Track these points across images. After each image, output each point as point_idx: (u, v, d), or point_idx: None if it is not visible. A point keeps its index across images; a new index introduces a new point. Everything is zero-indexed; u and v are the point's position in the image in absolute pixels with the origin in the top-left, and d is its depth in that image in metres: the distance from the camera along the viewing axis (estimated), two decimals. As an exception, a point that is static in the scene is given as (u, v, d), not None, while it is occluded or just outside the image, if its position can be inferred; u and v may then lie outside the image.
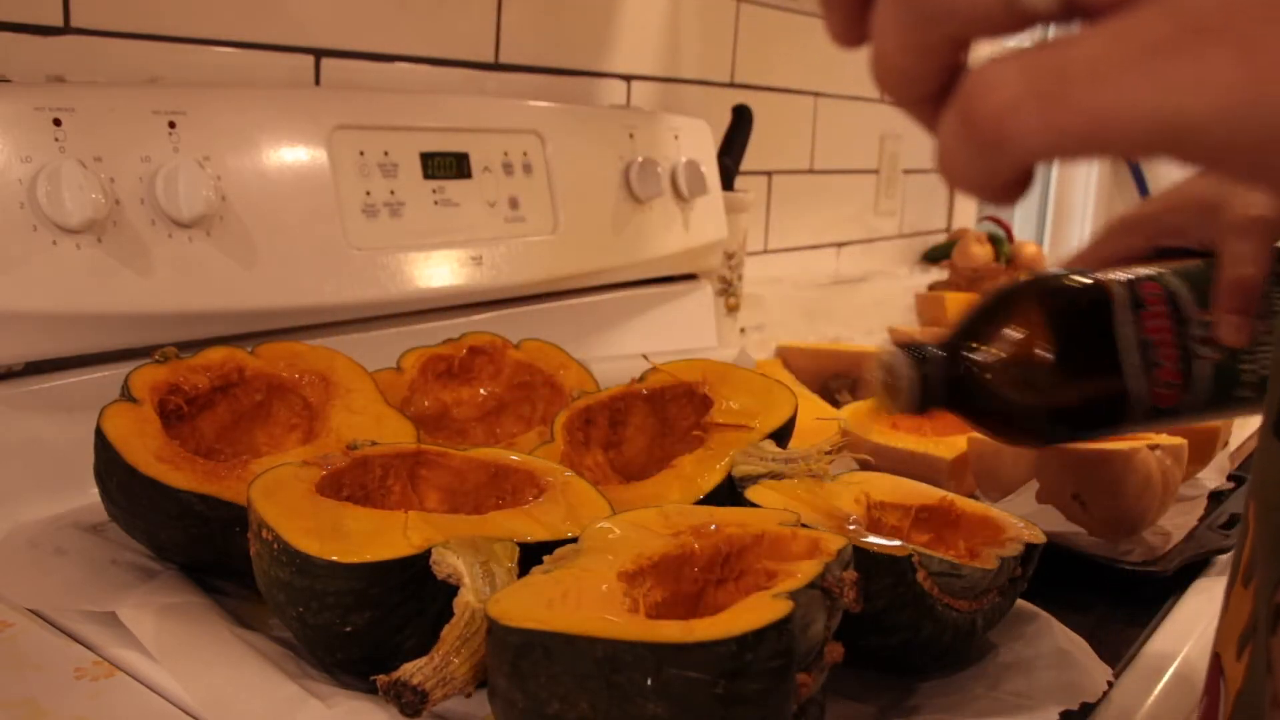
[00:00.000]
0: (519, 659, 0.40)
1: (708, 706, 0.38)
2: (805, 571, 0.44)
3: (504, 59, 1.12)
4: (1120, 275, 0.53)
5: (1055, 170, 2.84)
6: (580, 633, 0.39)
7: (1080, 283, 0.53)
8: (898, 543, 0.51)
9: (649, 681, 0.38)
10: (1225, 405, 0.54)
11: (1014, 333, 0.52)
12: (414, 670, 0.44)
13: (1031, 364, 0.52)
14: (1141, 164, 2.89)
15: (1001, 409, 0.54)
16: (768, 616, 0.39)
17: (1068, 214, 2.92)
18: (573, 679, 0.39)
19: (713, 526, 0.49)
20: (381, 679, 0.44)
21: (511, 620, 0.40)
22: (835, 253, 1.84)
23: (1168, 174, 2.88)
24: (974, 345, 0.54)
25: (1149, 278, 0.53)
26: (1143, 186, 2.90)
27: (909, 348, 0.54)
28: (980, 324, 0.54)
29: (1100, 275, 0.53)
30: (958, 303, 1.39)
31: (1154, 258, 0.55)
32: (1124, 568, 0.67)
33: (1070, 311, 0.52)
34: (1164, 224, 0.56)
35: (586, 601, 0.42)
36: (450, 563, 0.46)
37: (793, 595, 0.41)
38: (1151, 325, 0.51)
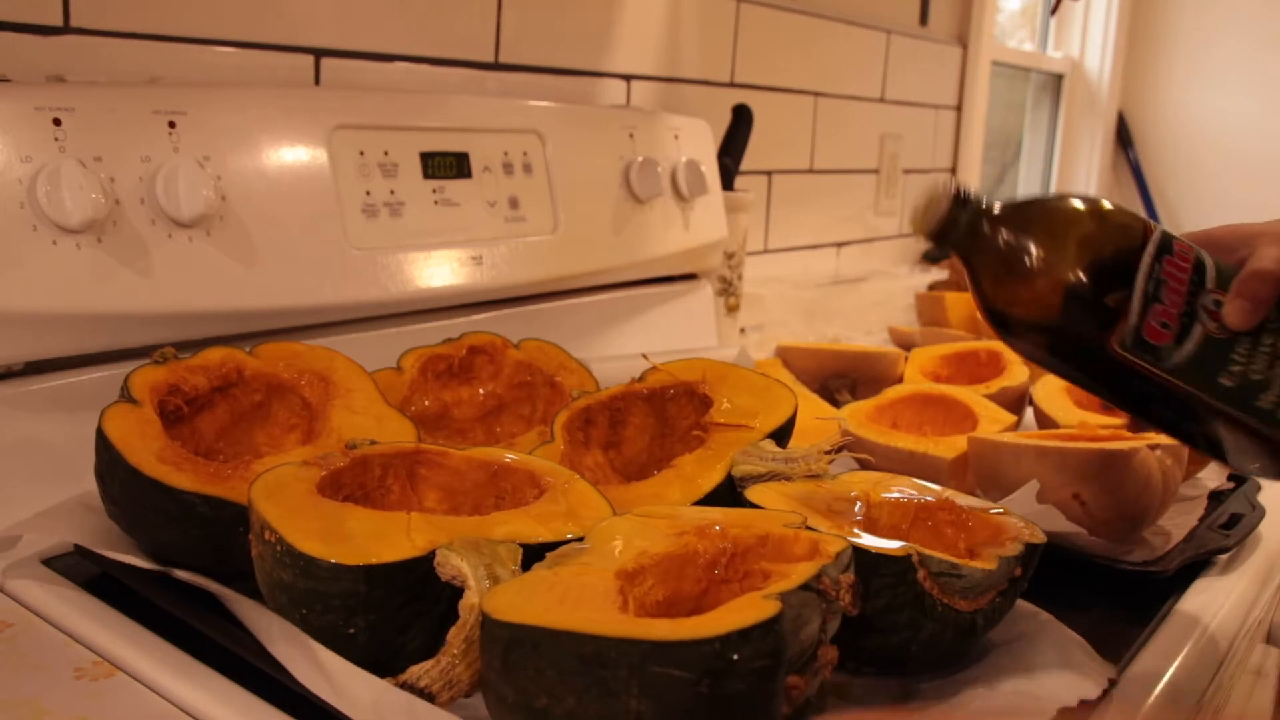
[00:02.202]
0: (508, 653, 0.40)
1: (691, 705, 0.38)
2: (799, 573, 0.44)
3: (504, 59, 1.12)
4: (1162, 228, 0.58)
5: (1055, 170, 2.84)
6: (567, 628, 0.39)
7: (1123, 212, 0.58)
8: (898, 543, 0.51)
9: (632, 678, 0.38)
10: (1199, 383, 0.56)
11: (1052, 219, 0.57)
12: (420, 673, 0.44)
13: (1055, 247, 0.56)
14: (1141, 164, 2.89)
15: (1006, 278, 0.58)
16: (754, 617, 0.39)
17: (1067, 214, 2.92)
18: (559, 674, 0.39)
19: (717, 527, 0.49)
20: (388, 682, 0.45)
21: (502, 615, 0.40)
22: (835, 253, 1.84)
23: (1169, 169, 2.88)
24: (1016, 213, 0.58)
25: (1185, 242, 0.58)
26: (1142, 184, 2.91)
27: (959, 187, 0.59)
28: (1029, 203, 0.59)
29: (1144, 218, 0.58)
30: (958, 303, 1.39)
31: None
32: (1124, 568, 0.67)
33: (1110, 226, 0.57)
34: (1215, 242, 0.61)
35: (581, 599, 0.42)
36: (454, 565, 0.46)
37: (783, 596, 0.41)
38: (1170, 269, 0.56)
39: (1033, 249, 0.57)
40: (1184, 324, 0.56)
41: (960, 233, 0.58)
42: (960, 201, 0.58)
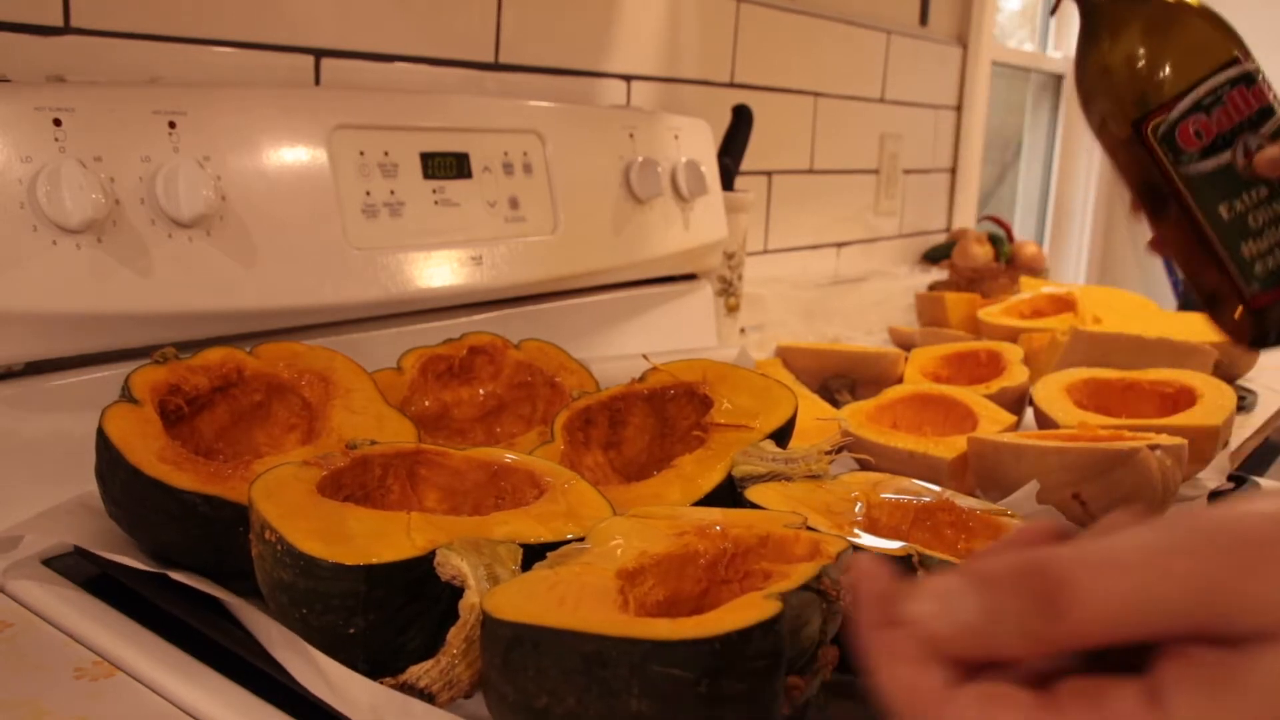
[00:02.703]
0: (509, 652, 0.40)
1: (691, 704, 0.38)
2: (800, 573, 0.44)
3: (504, 59, 1.12)
4: (1258, 70, 0.63)
5: (1055, 170, 2.84)
6: (567, 627, 0.39)
7: (1237, 41, 0.64)
8: (898, 543, 0.51)
9: (633, 678, 0.38)
10: (1202, 197, 0.62)
11: (1174, 12, 0.63)
12: (420, 673, 0.44)
13: (1160, 32, 0.63)
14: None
15: (1104, 40, 0.65)
16: (754, 616, 0.39)
17: (1067, 214, 2.93)
18: (560, 673, 0.39)
19: (717, 528, 0.49)
20: (388, 681, 0.45)
21: (503, 613, 0.40)
22: (835, 253, 1.84)
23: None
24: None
25: (1270, 89, 0.63)
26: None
27: None
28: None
29: (1250, 57, 0.64)
30: (958, 303, 1.39)
31: None
32: (1124, 568, 0.67)
33: (1212, 40, 0.63)
34: None
35: (582, 599, 0.42)
36: (455, 564, 0.46)
37: (783, 596, 0.41)
38: (1235, 96, 0.62)
39: (1134, 18, 0.63)
40: (1217, 143, 0.61)
41: None
42: None
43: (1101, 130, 0.65)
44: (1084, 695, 0.26)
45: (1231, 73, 0.62)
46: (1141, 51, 0.63)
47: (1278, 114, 0.62)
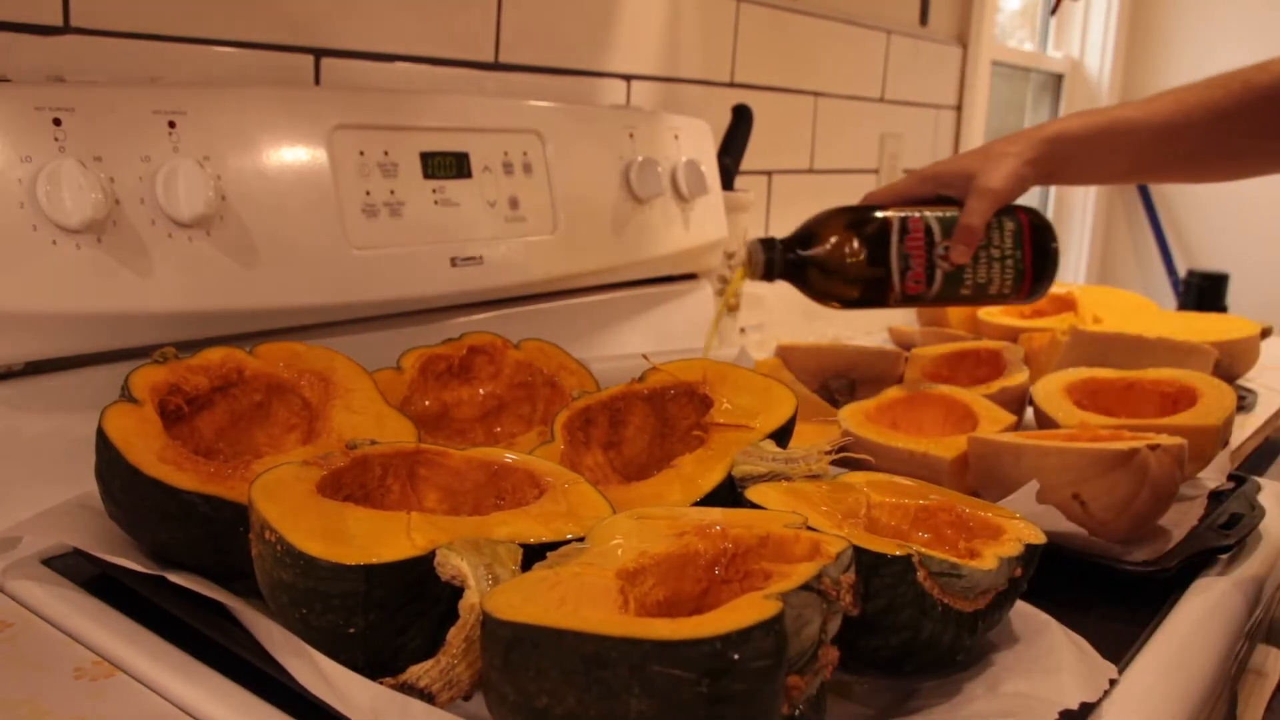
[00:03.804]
0: (509, 652, 0.40)
1: (692, 704, 0.38)
2: (800, 573, 0.44)
3: (504, 59, 1.12)
4: (900, 213, 0.89)
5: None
6: (567, 627, 0.39)
7: (873, 214, 0.89)
8: (898, 543, 0.51)
9: (633, 678, 0.38)
10: (950, 299, 0.92)
11: (830, 237, 0.89)
12: (420, 673, 0.44)
13: (837, 257, 0.89)
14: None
15: (815, 282, 0.91)
16: (755, 616, 0.39)
17: (1068, 214, 2.93)
18: (560, 673, 0.39)
19: (717, 527, 0.49)
20: (388, 681, 0.45)
21: (503, 613, 0.40)
22: (835, 252, 1.84)
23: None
24: (806, 241, 0.90)
25: (916, 216, 0.89)
26: (1143, 188, 2.91)
27: (764, 239, 0.91)
28: (810, 231, 0.91)
29: (887, 211, 0.89)
30: (957, 303, 1.39)
31: (934, 201, 0.92)
32: (1124, 568, 0.67)
33: (864, 229, 0.89)
34: (942, 181, 0.92)
35: (582, 599, 0.42)
36: (455, 564, 0.46)
37: (784, 596, 0.41)
38: (910, 245, 0.88)
39: (820, 272, 0.90)
40: (928, 274, 0.89)
41: (780, 267, 0.91)
42: (769, 246, 0.90)
43: (852, 308, 0.94)
44: None
45: (895, 239, 0.87)
46: (840, 282, 0.90)
47: (932, 226, 0.88)
